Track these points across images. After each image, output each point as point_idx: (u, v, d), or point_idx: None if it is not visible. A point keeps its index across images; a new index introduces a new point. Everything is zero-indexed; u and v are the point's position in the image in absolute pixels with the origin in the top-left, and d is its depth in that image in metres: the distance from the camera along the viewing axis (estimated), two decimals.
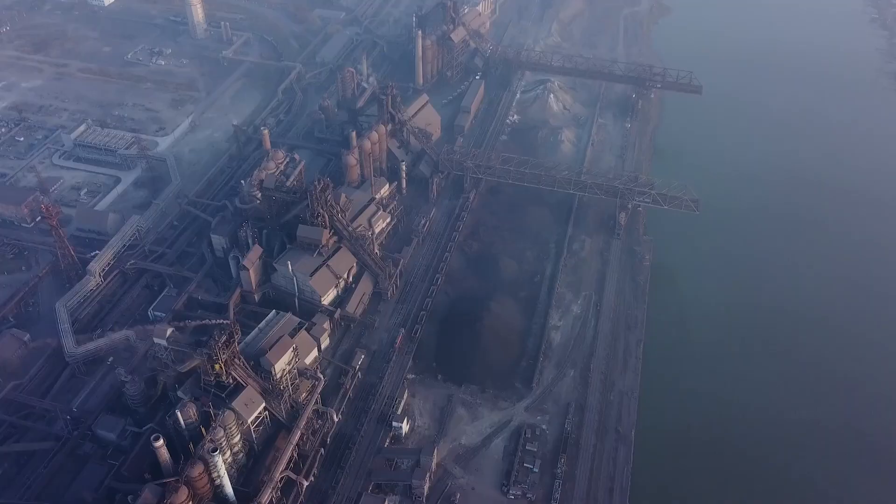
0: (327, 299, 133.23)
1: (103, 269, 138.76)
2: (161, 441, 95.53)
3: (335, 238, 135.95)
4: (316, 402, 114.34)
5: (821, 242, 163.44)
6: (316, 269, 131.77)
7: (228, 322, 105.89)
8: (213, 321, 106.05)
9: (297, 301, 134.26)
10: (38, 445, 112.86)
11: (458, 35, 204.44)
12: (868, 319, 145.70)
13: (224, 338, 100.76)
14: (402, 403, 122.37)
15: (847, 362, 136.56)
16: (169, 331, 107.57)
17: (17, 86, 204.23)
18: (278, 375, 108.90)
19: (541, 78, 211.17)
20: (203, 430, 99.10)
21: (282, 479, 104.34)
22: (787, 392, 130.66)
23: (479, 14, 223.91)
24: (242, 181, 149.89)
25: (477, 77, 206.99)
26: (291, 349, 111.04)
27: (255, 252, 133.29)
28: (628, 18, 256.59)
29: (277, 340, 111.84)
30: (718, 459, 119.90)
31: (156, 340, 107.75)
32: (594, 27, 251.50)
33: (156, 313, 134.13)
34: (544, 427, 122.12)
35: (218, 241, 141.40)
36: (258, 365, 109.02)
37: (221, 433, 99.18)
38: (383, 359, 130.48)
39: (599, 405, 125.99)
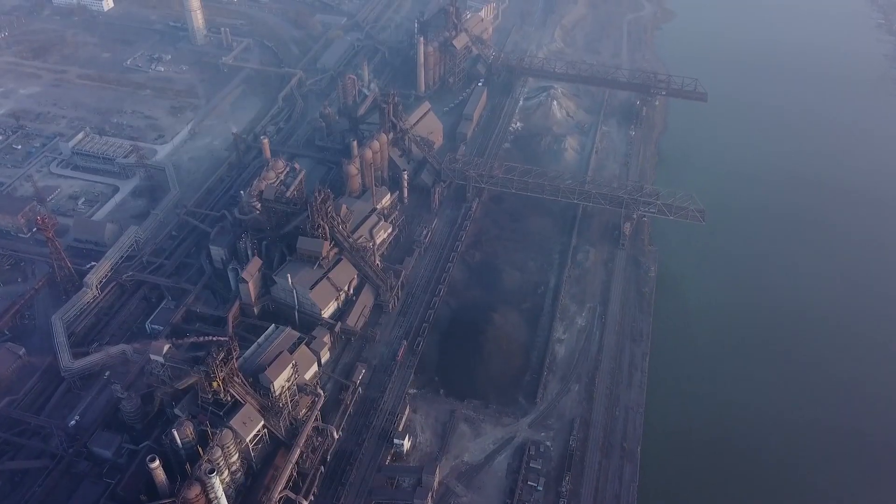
0: (327, 312, 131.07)
1: (100, 281, 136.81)
2: (157, 462, 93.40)
3: (336, 250, 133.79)
4: (316, 419, 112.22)
5: (830, 249, 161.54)
6: (316, 282, 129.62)
7: (226, 339, 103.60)
8: (211, 338, 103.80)
9: (296, 314, 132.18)
10: (33, 463, 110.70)
11: (460, 41, 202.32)
12: (878, 327, 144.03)
13: (222, 355, 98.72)
14: (404, 419, 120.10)
15: (861, 370, 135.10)
16: (166, 347, 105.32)
17: (15, 92, 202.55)
18: (277, 392, 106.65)
19: (544, 84, 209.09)
20: (200, 449, 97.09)
21: (281, 498, 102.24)
22: (800, 404, 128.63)
23: (482, 20, 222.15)
24: (242, 191, 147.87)
25: (479, 84, 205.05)
26: (291, 365, 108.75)
27: (255, 264, 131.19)
28: (632, 23, 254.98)
29: (277, 356, 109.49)
30: (728, 478, 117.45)
31: (152, 357, 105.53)
32: (597, 32, 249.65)
33: (153, 326, 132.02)
34: (548, 444, 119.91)
35: (217, 252, 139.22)
36: (257, 381, 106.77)
37: (219, 452, 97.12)
38: (384, 372, 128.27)
39: (604, 421, 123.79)
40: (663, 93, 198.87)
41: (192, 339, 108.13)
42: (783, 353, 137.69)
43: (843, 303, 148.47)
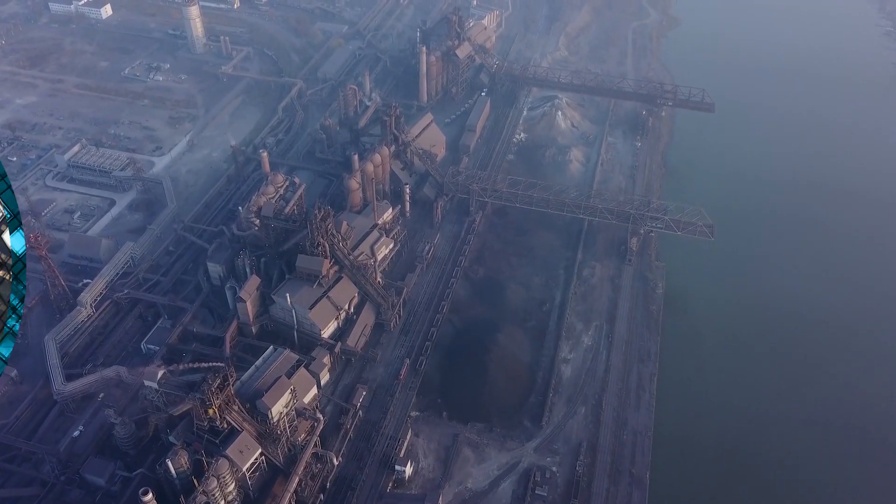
0: (327, 332, 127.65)
1: (95, 300, 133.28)
2: (150, 496, 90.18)
3: (336, 268, 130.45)
4: (315, 445, 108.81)
5: (844, 262, 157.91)
6: (316, 301, 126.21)
7: (222, 364, 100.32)
8: (207, 364, 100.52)
9: (296, 334, 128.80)
10: (23, 491, 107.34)
11: (463, 50, 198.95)
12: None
13: (218, 381, 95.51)
14: (406, 444, 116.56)
15: (881, 377, 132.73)
16: (160, 373, 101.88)
17: (11, 102, 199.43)
18: (275, 419, 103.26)
19: (548, 94, 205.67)
20: (195, 480, 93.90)
21: None
22: (819, 425, 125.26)
23: (485, 28, 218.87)
24: (240, 207, 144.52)
25: (482, 94, 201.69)
26: (289, 391, 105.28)
27: (253, 283, 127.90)
28: (637, 31, 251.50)
29: (275, 381, 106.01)
30: None
31: (146, 383, 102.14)
32: (602, 40, 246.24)
33: (149, 346, 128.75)
34: (554, 469, 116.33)
35: (214, 269, 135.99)
36: (254, 407, 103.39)
37: (214, 483, 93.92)
38: (386, 394, 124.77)
39: (612, 445, 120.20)
40: (670, 104, 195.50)
41: (186, 366, 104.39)
42: (798, 372, 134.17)
43: (860, 318, 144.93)
